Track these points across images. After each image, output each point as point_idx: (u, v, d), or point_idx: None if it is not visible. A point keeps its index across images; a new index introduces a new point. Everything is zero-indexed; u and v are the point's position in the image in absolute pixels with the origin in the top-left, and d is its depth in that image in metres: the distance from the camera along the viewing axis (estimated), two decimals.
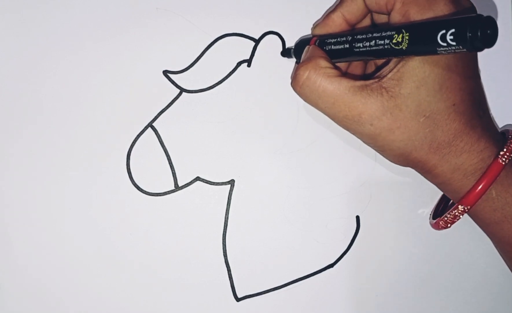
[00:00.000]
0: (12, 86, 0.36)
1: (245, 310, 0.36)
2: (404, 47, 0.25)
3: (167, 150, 0.36)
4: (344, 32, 0.30)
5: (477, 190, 0.29)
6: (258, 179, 0.36)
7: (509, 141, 0.29)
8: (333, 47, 0.30)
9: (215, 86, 0.36)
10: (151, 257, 0.36)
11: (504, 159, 0.28)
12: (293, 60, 0.36)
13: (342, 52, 0.30)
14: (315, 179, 0.37)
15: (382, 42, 0.27)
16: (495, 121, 0.37)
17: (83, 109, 0.36)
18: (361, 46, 0.28)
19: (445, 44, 0.23)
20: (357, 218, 0.37)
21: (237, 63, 0.36)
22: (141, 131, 0.36)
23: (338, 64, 0.32)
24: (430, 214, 0.36)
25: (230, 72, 0.36)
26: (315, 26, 0.33)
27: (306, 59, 0.30)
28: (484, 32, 0.22)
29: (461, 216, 0.30)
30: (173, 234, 0.36)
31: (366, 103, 0.28)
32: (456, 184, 0.29)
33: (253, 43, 0.36)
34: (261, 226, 0.36)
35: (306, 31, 0.36)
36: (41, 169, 0.35)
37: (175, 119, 0.36)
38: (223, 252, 0.36)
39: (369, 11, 0.31)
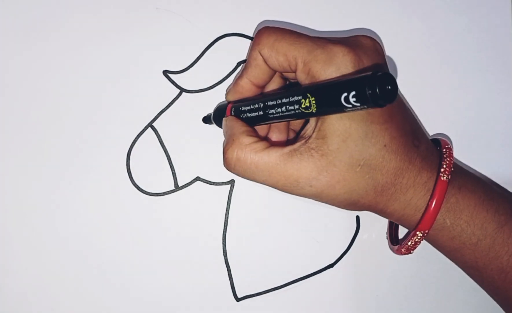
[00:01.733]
0: (12, 86, 0.36)
1: (245, 310, 0.36)
2: (313, 111, 0.25)
3: (167, 150, 0.36)
4: (256, 99, 0.30)
5: (430, 212, 0.28)
6: None
7: (444, 156, 0.29)
8: (248, 115, 0.30)
9: (215, 86, 0.36)
10: (151, 257, 0.36)
11: (445, 175, 0.28)
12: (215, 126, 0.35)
13: (258, 119, 0.30)
14: None
15: (292, 107, 0.26)
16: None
17: (83, 109, 0.36)
18: (274, 112, 0.28)
19: (350, 105, 0.23)
20: (357, 218, 0.37)
21: (237, 63, 0.36)
22: (141, 131, 0.36)
23: (261, 125, 0.32)
24: (387, 238, 0.36)
25: (230, 72, 0.36)
26: (228, 92, 0.33)
27: (229, 138, 0.30)
28: (383, 88, 0.21)
29: (421, 241, 0.30)
30: (173, 234, 0.36)
31: (300, 169, 0.27)
32: (411, 219, 0.29)
33: None
34: (261, 226, 0.36)
35: (306, 31, 0.36)
36: (40, 169, 0.35)
37: (175, 119, 0.36)
38: (223, 252, 0.36)
39: (274, 72, 0.31)
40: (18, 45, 0.36)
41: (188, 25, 0.36)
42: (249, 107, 0.30)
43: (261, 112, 0.29)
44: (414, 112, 0.37)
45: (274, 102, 0.28)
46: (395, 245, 0.34)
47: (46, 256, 0.35)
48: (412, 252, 0.31)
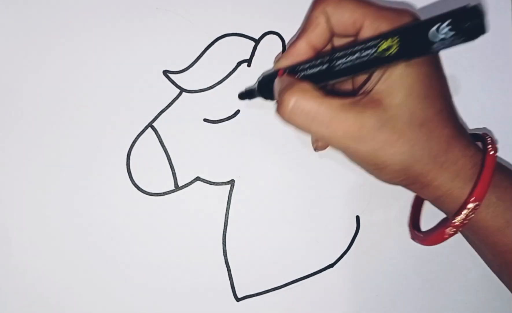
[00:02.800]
0: (11, 86, 0.36)
1: (245, 310, 0.36)
2: (393, 52, 0.25)
3: (167, 150, 0.36)
4: (318, 55, 0.30)
5: (483, 181, 0.28)
6: (258, 179, 0.36)
7: (487, 136, 0.30)
8: (308, 71, 0.29)
9: (215, 86, 0.36)
10: (151, 257, 0.36)
11: (493, 150, 0.29)
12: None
13: (320, 76, 0.29)
14: (315, 179, 0.37)
15: (368, 52, 0.26)
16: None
17: (83, 109, 0.36)
18: (343, 62, 0.27)
19: (441, 37, 0.23)
20: (357, 218, 0.37)
21: (237, 63, 0.36)
22: (141, 131, 0.36)
23: None
24: (411, 234, 0.36)
25: (230, 72, 0.36)
26: (279, 59, 0.32)
27: (286, 85, 0.28)
28: (479, 19, 0.23)
29: (472, 216, 0.29)
30: (173, 234, 0.36)
31: (363, 118, 0.27)
32: (457, 193, 0.29)
33: (253, 43, 0.36)
34: (261, 226, 0.36)
35: None
36: (40, 169, 0.35)
37: (175, 119, 0.36)
38: (223, 252, 0.36)
39: (333, 35, 0.31)
40: (18, 46, 0.36)
41: (188, 25, 0.36)
42: (309, 64, 0.29)
43: (325, 66, 0.28)
44: None
45: (343, 52, 0.27)
46: (423, 235, 0.33)
47: (46, 256, 0.35)
48: (458, 231, 0.30)
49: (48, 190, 0.35)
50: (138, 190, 0.36)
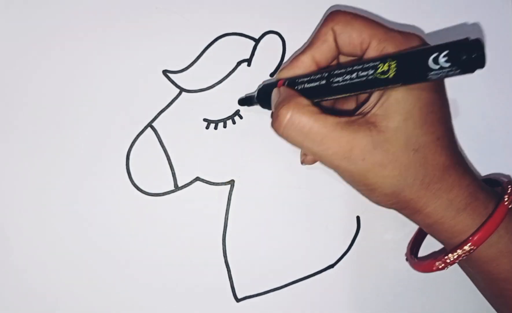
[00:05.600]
0: (11, 86, 0.35)
1: (245, 311, 0.36)
2: (390, 76, 0.25)
3: (166, 151, 0.36)
4: (318, 70, 0.30)
5: (487, 230, 0.28)
6: (258, 179, 0.36)
7: (509, 187, 0.29)
8: (306, 85, 0.29)
9: (215, 86, 0.36)
10: (150, 257, 0.36)
11: (508, 202, 0.29)
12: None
13: (318, 91, 0.28)
14: (315, 179, 0.36)
15: (365, 73, 0.26)
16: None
17: (83, 109, 0.36)
18: (340, 80, 0.27)
19: (437, 67, 0.23)
20: (358, 218, 0.37)
21: (237, 63, 0.36)
22: (140, 131, 0.36)
23: None
24: (406, 255, 0.36)
25: (230, 72, 0.36)
26: (282, 68, 0.32)
27: (283, 99, 0.28)
28: (477, 53, 0.23)
29: (464, 257, 0.29)
30: (172, 234, 0.36)
31: (356, 138, 0.27)
32: (449, 222, 0.29)
33: (253, 43, 0.36)
34: (261, 226, 0.36)
35: (306, 31, 0.36)
36: (40, 169, 0.35)
37: (175, 119, 0.36)
38: (223, 253, 0.36)
39: (338, 53, 0.31)
40: (16, 45, 0.36)
41: (188, 25, 0.36)
42: (309, 78, 0.29)
43: (323, 82, 0.28)
44: None
45: (342, 71, 0.27)
46: (417, 260, 0.33)
47: (45, 256, 0.35)
48: (447, 268, 0.30)
49: (48, 189, 0.35)
50: (138, 190, 0.36)
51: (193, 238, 0.36)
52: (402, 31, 0.28)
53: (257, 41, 0.36)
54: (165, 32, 0.36)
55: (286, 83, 0.31)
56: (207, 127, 0.36)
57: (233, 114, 0.36)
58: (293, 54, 0.36)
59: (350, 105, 0.33)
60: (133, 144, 0.36)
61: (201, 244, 0.36)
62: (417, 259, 0.34)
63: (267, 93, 0.32)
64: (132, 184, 0.36)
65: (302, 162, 0.35)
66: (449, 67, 0.23)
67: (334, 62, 0.32)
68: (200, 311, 0.36)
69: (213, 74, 0.36)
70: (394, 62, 0.25)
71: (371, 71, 0.26)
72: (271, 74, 0.36)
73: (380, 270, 0.37)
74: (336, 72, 0.27)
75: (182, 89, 0.36)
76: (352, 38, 0.29)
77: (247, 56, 0.36)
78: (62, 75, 0.36)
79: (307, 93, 0.29)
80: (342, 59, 0.32)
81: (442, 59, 0.23)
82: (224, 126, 0.36)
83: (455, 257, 0.29)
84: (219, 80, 0.36)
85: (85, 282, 0.35)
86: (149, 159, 0.36)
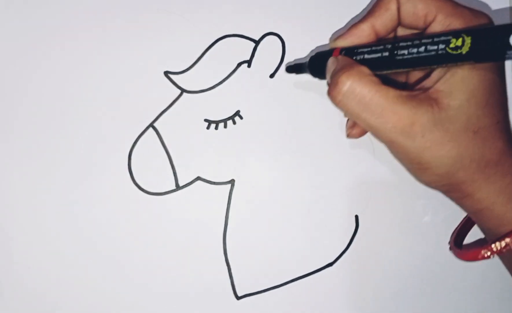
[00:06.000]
0: (12, 86, 0.36)
1: (245, 309, 0.36)
2: (464, 51, 0.24)
3: (168, 150, 0.36)
4: (379, 42, 0.28)
5: None
6: (258, 178, 0.36)
7: None
8: (366, 56, 0.27)
9: (215, 87, 0.36)
10: (151, 256, 0.36)
11: None
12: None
13: (379, 63, 0.27)
14: (315, 178, 0.37)
15: (435, 47, 0.25)
16: None
17: (85, 110, 0.36)
18: (406, 53, 0.26)
19: None
20: (356, 217, 0.37)
21: (238, 64, 0.36)
22: (142, 132, 0.36)
23: None
24: (450, 243, 0.35)
25: (230, 73, 0.36)
26: (337, 37, 0.30)
27: (342, 67, 0.27)
28: None
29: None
30: (173, 233, 0.36)
31: (417, 114, 0.26)
32: (500, 209, 0.27)
33: (253, 44, 0.36)
34: (261, 225, 0.37)
35: (306, 32, 0.36)
36: (42, 168, 0.36)
37: (176, 120, 0.36)
38: (224, 251, 0.36)
39: (399, 24, 0.29)
40: (18, 45, 0.36)
41: (189, 26, 0.36)
42: (369, 48, 0.27)
43: (386, 53, 0.27)
44: None
45: (408, 43, 0.26)
46: (461, 250, 0.32)
47: (47, 256, 0.36)
48: (493, 256, 0.28)
49: (49, 189, 0.36)
50: (139, 189, 0.36)
51: (194, 237, 0.36)
52: (471, 8, 0.27)
53: (257, 42, 0.36)
54: (166, 34, 0.36)
55: (343, 52, 0.29)
56: (208, 128, 0.36)
57: (233, 114, 0.36)
58: (349, 22, 0.34)
59: (410, 79, 0.31)
60: (135, 144, 0.36)
61: (202, 242, 0.36)
62: (461, 248, 0.33)
63: (320, 61, 0.30)
64: (134, 183, 0.36)
65: (348, 135, 0.33)
66: None
67: (391, 35, 0.30)
68: (201, 309, 0.36)
69: (213, 75, 0.36)
70: (469, 37, 0.24)
71: (441, 45, 0.25)
72: (271, 75, 0.37)
73: (378, 269, 0.37)
74: (402, 44, 0.26)
75: (183, 90, 0.36)
76: (418, 9, 0.27)
77: (247, 58, 0.36)
78: (64, 76, 0.36)
79: (367, 65, 0.27)
80: (400, 32, 0.30)
81: None
82: (225, 126, 0.36)
83: (503, 245, 0.27)
84: (220, 81, 0.36)
85: (86, 281, 0.36)
86: (150, 159, 0.36)
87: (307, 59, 0.33)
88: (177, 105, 0.36)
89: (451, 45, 0.24)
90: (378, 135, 0.27)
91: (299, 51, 0.36)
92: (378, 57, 0.27)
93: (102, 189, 0.36)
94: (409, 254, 0.37)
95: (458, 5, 0.27)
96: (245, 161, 0.36)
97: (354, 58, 0.28)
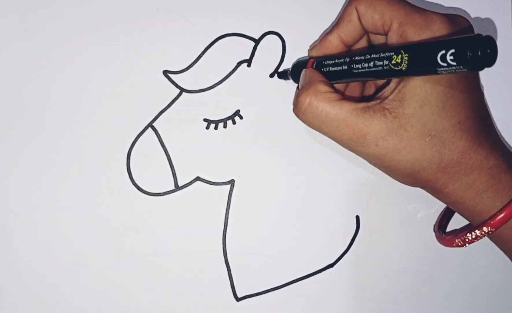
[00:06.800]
0: (13, 87, 0.36)
1: (245, 310, 0.36)
2: (403, 68, 0.25)
3: (167, 150, 0.36)
4: (342, 54, 0.30)
5: (506, 212, 0.28)
6: (258, 179, 0.36)
7: None
8: (331, 69, 0.30)
9: (215, 86, 0.36)
10: (151, 257, 0.36)
11: None
12: (289, 82, 0.36)
13: (340, 74, 0.30)
14: (315, 179, 0.37)
15: (381, 63, 0.26)
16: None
17: (84, 109, 0.36)
18: (360, 67, 0.28)
19: (445, 64, 0.23)
20: (357, 217, 0.37)
21: (237, 63, 0.36)
22: (141, 131, 0.36)
23: (336, 85, 0.32)
24: (434, 227, 0.36)
25: (230, 72, 0.36)
26: (312, 48, 0.33)
27: (305, 84, 0.30)
28: (484, 51, 0.22)
29: (482, 237, 0.29)
30: (173, 233, 0.36)
31: (370, 125, 0.28)
32: (469, 202, 0.29)
33: (253, 43, 0.36)
34: (261, 225, 0.36)
35: (306, 31, 0.36)
36: (41, 169, 0.35)
37: (175, 119, 0.36)
38: (223, 252, 0.36)
39: (365, 32, 0.31)
40: (19, 47, 0.36)
41: (188, 25, 0.36)
42: (333, 61, 0.30)
43: (345, 67, 0.29)
44: None
45: (361, 57, 0.28)
46: (444, 235, 0.33)
47: (47, 256, 0.35)
48: (466, 245, 0.30)
49: (48, 189, 0.35)
50: (138, 189, 0.36)
51: (193, 237, 0.36)
52: (426, 12, 0.28)
53: (257, 41, 0.36)
54: (165, 33, 0.36)
55: (315, 64, 0.32)
56: (207, 127, 0.36)
57: (233, 114, 0.36)
58: (323, 33, 0.36)
59: (378, 85, 0.33)
60: (134, 144, 0.36)
61: (201, 243, 0.36)
62: (444, 234, 0.34)
63: (299, 71, 0.33)
64: (133, 183, 0.36)
65: None
66: (456, 65, 0.23)
67: (364, 41, 0.32)
68: (200, 310, 0.36)
69: (213, 75, 0.36)
70: (406, 55, 0.25)
71: (386, 62, 0.26)
72: (271, 75, 0.36)
73: (379, 269, 0.37)
74: (356, 58, 0.28)
75: (182, 90, 0.36)
76: (375, 19, 0.29)
77: (247, 57, 0.36)
78: (63, 76, 0.36)
79: (332, 76, 0.30)
80: (373, 37, 0.32)
81: (449, 58, 0.23)
82: (224, 126, 0.36)
83: (473, 237, 0.29)
84: (219, 81, 0.36)
85: (85, 281, 0.36)
86: (149, 159, 0.36)
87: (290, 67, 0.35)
88: (176, 105, 0.36)
89: (393, 62, 0.26)
90: (340, 145, 0.30)
91: (299, 50, 0.36)
92: (339, 70, 0.29)
93: (100, 189, 0.36)
94: (410, 255, 0.37)
95: (412, 12, 0.28)
96: (245, 161, 0.36)
97: (322, 69, 0.31)
